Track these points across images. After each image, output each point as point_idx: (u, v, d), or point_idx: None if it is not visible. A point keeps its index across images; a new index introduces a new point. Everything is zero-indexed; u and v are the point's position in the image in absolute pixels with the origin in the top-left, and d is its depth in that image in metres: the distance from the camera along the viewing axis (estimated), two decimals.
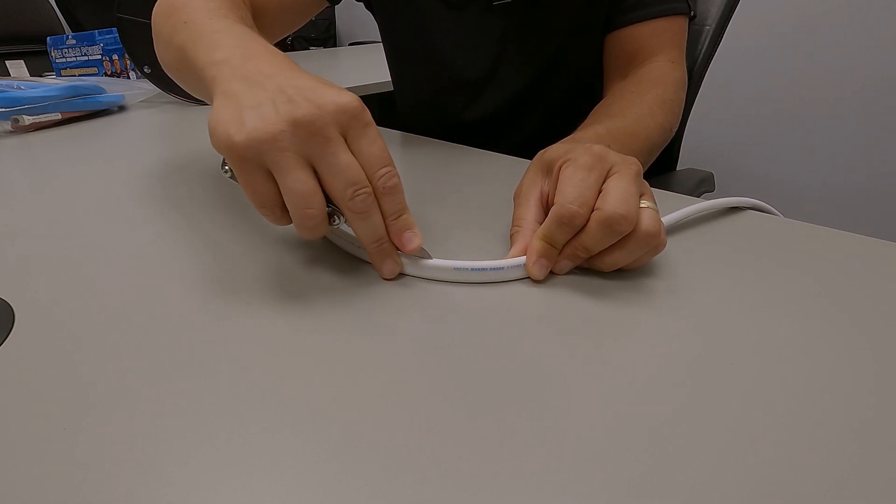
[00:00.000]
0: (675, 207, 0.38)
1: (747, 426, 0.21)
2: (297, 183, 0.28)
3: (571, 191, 0.30)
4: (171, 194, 0.47)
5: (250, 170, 0.28)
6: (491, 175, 0.51)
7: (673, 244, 0.37)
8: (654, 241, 0.30)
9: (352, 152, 0.29)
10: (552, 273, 0.33)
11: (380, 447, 0.20)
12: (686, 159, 0.81)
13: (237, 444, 0.21)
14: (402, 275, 0.33)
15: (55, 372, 0.25)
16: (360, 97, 0.29)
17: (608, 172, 0.31)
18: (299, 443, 0.21)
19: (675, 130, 0.52)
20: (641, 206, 0.30)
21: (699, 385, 0.24)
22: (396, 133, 0.67)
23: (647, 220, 0.30)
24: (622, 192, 0.30)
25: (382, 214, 0.31)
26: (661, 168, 0.80)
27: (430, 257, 0.32)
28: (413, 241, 0.31)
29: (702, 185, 0.74)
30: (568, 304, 0.30)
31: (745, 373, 0.24)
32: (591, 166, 0.31)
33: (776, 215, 0.42)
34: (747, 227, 0.39)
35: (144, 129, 0.73)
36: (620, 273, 0.33)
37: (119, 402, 0.23)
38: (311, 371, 0.25)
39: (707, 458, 0.20)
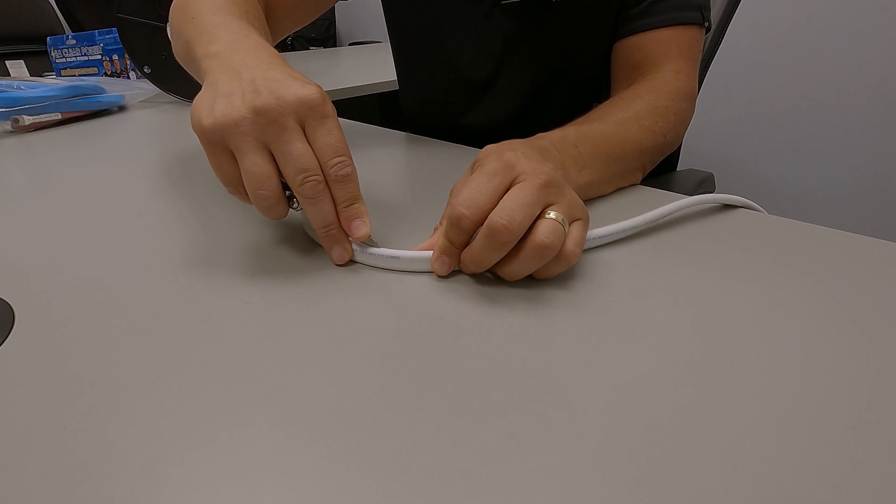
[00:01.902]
0: (654, 205, 0.38)
1: (747, 426, 0.21)
2: (253, 165, 0.30)
3: (466, 193, 0.30)
4: (170, 194, 0.47)
5: (216, 151, 0.31)
6: None
7: (668, 243, 0.37)
8: (547, 252, 0.29)
9: (309, 142, 0.31)
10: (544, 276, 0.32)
11: (381, 446, 0.20)
12: (686, 160, 0.81)
13: (237, 443, 0.21)
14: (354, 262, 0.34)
15: (55, 372, 0.25)
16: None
17: (513, 181, 0.31)
18: (300, 443, 0.21)
19: (671, 136, 0.50)
20: (547, 216, 0.29)
21: (699, 385, 0.24)
22: (400, 133, 0.67)
23: (541, 232, 0.29)
24: (513, 201, 0.29)
25: (335, 202, 0.32)
26: (662, 169, 0.79)
27: (378, 246, 0.34)
28: (361, 228, 0.33)
29: (702, 186, 0.74)
30: (564, 303, 0.30)
31: (745, 373, 0.24)
32: (494, 172, 0.30)
33: (760, 212, 0.42)
34: (743, 226, 0.39)
35: (144, 129, 0.73)
36: (615, 271, 0.33)
37: (119, 402, 0.23)
38: (313, 371, 0.25)
39: (707, 458, 0.20)
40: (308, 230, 0.37)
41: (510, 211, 0.29)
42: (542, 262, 0.30)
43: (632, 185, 0.47)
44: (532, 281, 0.32)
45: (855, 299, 0.30)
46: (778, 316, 0.29)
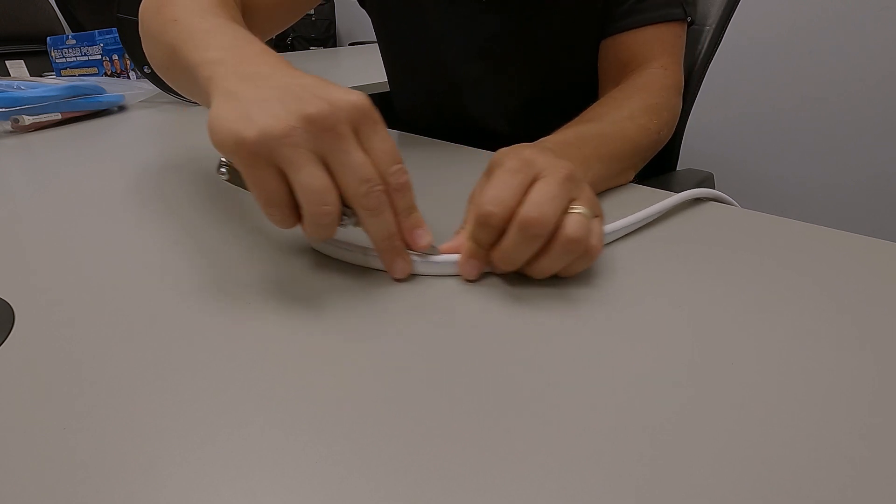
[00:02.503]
0: (637, 204, 0.39)
1: (747, 426, 0.21)
2: (313, 179, 0.27)
3: (490, 192, 0.30)
4: (170, 194, 0.47)
5: (261, 167, 0.27)
6: None
7: (661, 241, 0.37)
8: (577, 247, 0.29)
9: (364, 149, 0.29)
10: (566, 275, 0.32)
11: (381, 447, 0.20)
12: (686, 159, 0.81)
13: (237, 444, 0.21)
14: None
15: (55, 372, 0.25)
16: None
17: (535, 177, 0.30)
18: (300, 443, 0.21)
19: (664, 133, 0.51)
20: (572, 210, 0.29)
21: (699, 385, 0.24)
22: (394, 132, 0.67)
23: (570, 226, 0.29)
24: (541, 195, 0.29)
25: (394, 212, 0.31)
26: (662, 168, 0.80)
27: (439, 253, 0.33)
28: (424, 237, 0.32)
29: (702, 186, 0.74)
30: (564, 304, 0.30)
31: (745, 373, 0.24)
32: (516, 170, 0.30)
33: (734, 206, 0.43)
34: (739, 225, 0.39)
35: (144, 129, 0.73)
36: (611, 272, 0.33)
37: (119, 402, 0.23)
38: (313, 372, 0.25)
39: (707, 459, 0.20)
40: (318, 246, 0.35)
41: (540, 204, 0.29)
42: (572, 257, 0.30)
43: (621, 185, 0.47)
44: (529, 281, 0.32)
45: (855, 299, 0.30)
46: (778, 316, 0.29)
